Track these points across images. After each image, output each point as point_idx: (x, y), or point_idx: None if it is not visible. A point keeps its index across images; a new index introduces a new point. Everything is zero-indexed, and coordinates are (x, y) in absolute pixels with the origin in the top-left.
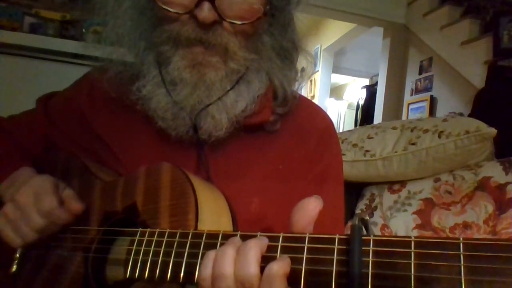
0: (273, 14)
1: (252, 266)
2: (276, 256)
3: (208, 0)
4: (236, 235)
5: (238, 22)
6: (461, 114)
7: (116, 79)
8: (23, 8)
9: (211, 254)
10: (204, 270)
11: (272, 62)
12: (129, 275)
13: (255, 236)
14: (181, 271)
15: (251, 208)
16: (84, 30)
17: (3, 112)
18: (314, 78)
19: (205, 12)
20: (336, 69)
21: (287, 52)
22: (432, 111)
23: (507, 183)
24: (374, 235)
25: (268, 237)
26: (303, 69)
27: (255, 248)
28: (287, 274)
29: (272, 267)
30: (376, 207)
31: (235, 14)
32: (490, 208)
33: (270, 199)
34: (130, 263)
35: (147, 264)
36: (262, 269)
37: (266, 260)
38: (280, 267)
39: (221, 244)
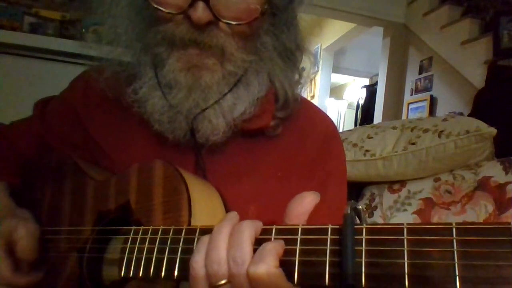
0: (274, 13)
1: (245, 244)
2: None
3: None
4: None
5: (234, 22)
6: (461, 114)
7: (113, 79)
8: (23, 8)
9: (205, 238)
10: (198, 253)
11: (273, 63)
12: (123, 274)
13: None
14: (175, 267)
15: (248, 215)
16: (83, 29)
17: (3, 111)
18: (314, 78)
19: (199, 12)
20: (336, 69)
21: (290, 52)
22: (432, 111)
23: (507, 183)
24: (367, 224)
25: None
26: (303, 69)
27: (250, 228)
28: (280, 256)
29: (266, 245)
30: (376, 207)
31: (231, 14)
32: (490, 207)
33: (267, 207)
34: (124, 262)
35: (141, 262)
36: (255, 251)
37: (259, 243)
38: (273, 246)
39: None
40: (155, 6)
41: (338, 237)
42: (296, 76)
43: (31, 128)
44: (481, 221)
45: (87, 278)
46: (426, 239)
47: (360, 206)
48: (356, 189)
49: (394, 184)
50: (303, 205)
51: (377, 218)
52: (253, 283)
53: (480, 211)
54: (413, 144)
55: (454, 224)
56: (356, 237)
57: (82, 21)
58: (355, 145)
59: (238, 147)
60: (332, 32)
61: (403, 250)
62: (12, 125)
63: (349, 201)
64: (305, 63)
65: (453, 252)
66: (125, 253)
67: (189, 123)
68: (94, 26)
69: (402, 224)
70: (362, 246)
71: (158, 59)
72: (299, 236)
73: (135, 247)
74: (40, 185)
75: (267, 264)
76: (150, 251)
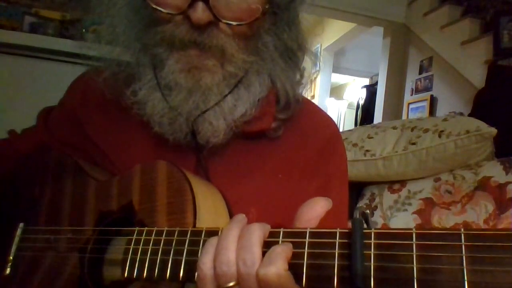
0: (275, 12)
1: (255, 246)
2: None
3: None
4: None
5: (234, 23)
6: (461, 114)
7: (112, 80)
8: (23, 8)
9: (213, 239)
10: (206, 255)
11: (274, 64)
12: (127, 274)
13: None
14: (180, 269)
15: (249, 217)
16: (84, 29)
17: (3, 112)
18: (314, 78)
19: (199, 13)
20: (336, 69)
21: (292, 52)
22: (432, 111)
23: (507, 183)
24: (375, 228)
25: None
26: (303, 68)
27: (259, 230)
28: (289, 259)
29: (275, 248)
30: (376, 207)
31: (231, 14)
32: (490, 207)
33: (268, 208)
34: (128, 262)
35: (145, 263)
36: (263, 254)
37: (268, 245)
38: (282, 249)
39: None
40: (154, 6)
41: (346, 240)
42: (298, 77)
43: (35, 137)
44: (481, 221)
45: (88, 278)
46: (435, 244)
47: (368, 210)
48: (356, 189)
49: (394, 184)
50: (315, 210)
51: (377, 218)
52: (262, 285)
53: (480, 211)
54: (413, 144)
55: (462, 230)
56: (365, 241)
57: (82, 21)
58: (355, 145)
59: (239, 148)
60: (332, 32)
61: (412, 255)
62: (20, 133)
63: (350, 205)
64: (306, 63)
65: (461, 257)
66: (128, 253)
67: (189, 125)
68: (94, 26)
69: (411, 229)
70: (371, 250)
71: (158, 60)
72: (307, 240)
73: (139, 248)
74: (42, 185)
75: (277, 266)
76: (155, 252)
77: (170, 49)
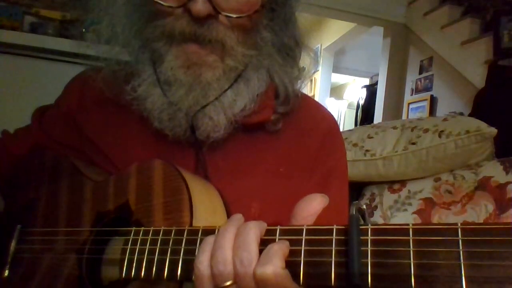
0: (272, 8)
1: (252, 245)
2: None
3: None
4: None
5: (234, 15)
6: (461, 114)
7: (111, 79)
8: (23, 8)
9: (210, 238)
10: (202, 254)
11: (272, 59)
12: (125, 275)
13: None
14: (178, 268)
15: (250, 212)
16: (84, 29)
17: (3, 111)
18: (314, 78)
19: (199, 5)
20: (336, 69)
21: (289, 48)
22: (432, 111)
23: (507, 183)
24: (372, 224)
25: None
26: (303, 68)
27: (255, 229)
28: (286, 256)
29: (272, 246)
30: (376, 207)
31: (231, 6)
32: (491, 207)
33: (269, 203)
34: (125, 262)
35: (143, 263)
36: (260, 252)
37: (264, 243)
38: (279, 247)
39: None
40: (155, 0)
41: (343, 237)
42: (296, 72)
43: (29, 137)
44: (481, 221)
45: (87, 279)
46: (432, 240)
47: (364, 206)
48: (356, 189)
49: (394, 184)
50: (312, 206)
51: (378, 218)
52: (259, 284)
53: (480, 211)
54: (413, 144)
55: (459, 225)
56: (361, 237)
57: (82, 20)
58: (355, 144)
59: (239, 143)
60: (332, 32)
61: (409, 251)
62: (13, 133)
63: (351, 201)
64: (305, 59)
65: (458, 252)
66: (126, 254)
67: (189, 120)
68: (94, 26)
69: (408, 224)
70: (367, 246)
71: (157, 55)
72: (303, 237)
73: (136, 248)
74: (38, 186)
75: (274, 265)
76: (152, 252)
77: (170, 43)
